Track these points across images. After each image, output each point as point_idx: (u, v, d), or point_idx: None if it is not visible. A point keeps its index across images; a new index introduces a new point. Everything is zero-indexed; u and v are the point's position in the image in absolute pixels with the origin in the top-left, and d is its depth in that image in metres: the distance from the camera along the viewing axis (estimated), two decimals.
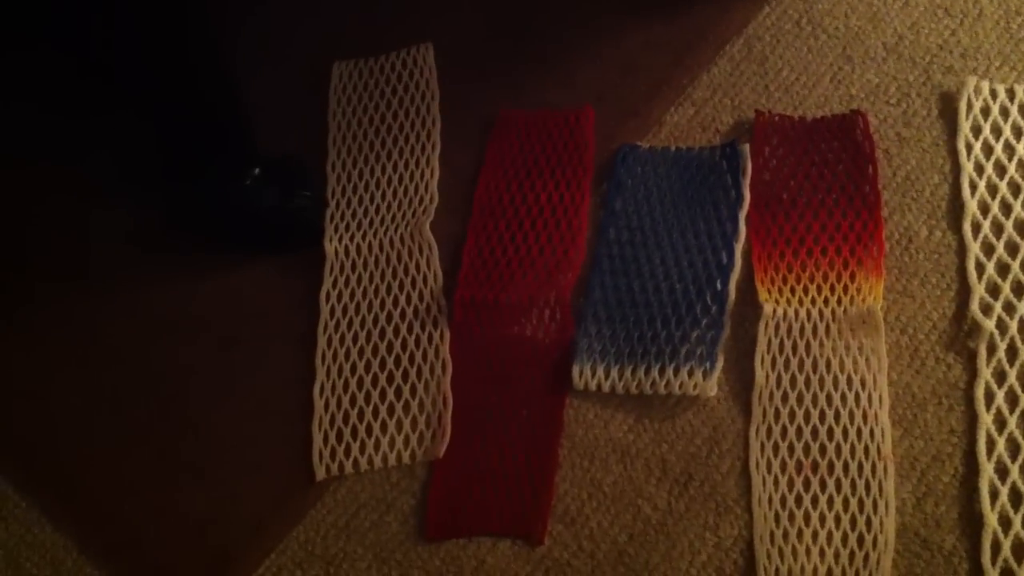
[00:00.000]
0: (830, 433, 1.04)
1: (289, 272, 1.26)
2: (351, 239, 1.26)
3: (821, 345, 1.09)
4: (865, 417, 1.04)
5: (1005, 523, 0.98)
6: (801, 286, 1.13)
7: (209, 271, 1.28)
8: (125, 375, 1.23)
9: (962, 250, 1.12)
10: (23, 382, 1.25)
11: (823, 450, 1.04)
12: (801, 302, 1.11)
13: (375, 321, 1.20)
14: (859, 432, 1.04)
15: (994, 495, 0.99)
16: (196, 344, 1.24)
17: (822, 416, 1.05)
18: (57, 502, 1.16)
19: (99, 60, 1.17)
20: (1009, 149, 1.16)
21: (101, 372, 1.24)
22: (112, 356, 1.24)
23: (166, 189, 1.27)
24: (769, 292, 1.13)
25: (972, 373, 1.05)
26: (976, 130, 1.18)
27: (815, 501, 1.02)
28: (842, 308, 1.10)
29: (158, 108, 1.21)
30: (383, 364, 1.17)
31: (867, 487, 1.01)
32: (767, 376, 1.08)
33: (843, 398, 1.06)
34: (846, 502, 1.01)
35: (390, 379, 1.16)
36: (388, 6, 1.44)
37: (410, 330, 1.19)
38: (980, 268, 1.10)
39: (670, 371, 1.10)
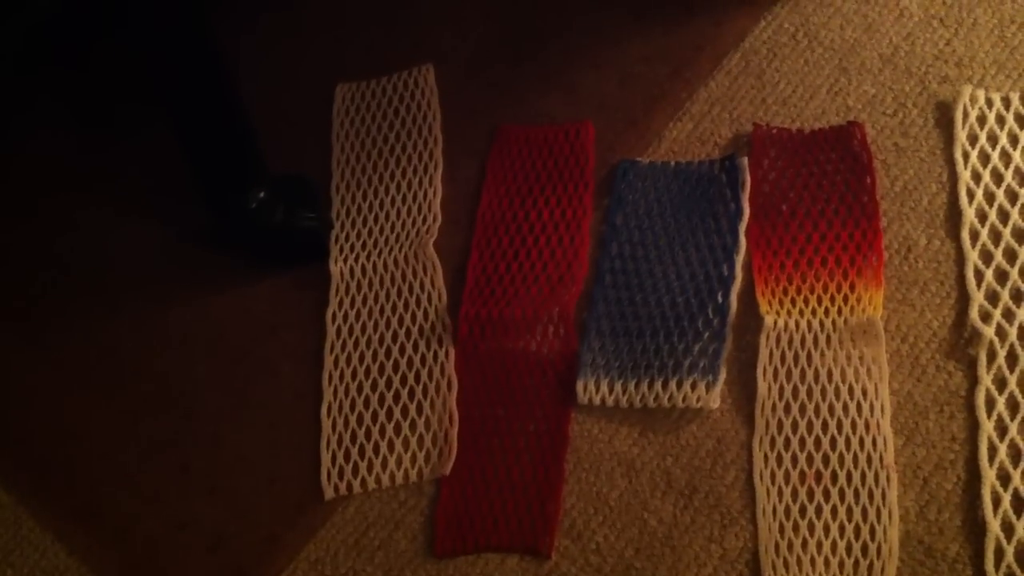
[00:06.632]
0: (833, 443, 1.05)
1: (300, 288, 1.27)
2: (356, 259, 1.27)
3: (822, 355, 1.10)
4: (867, 426, 1.05)
5: (1008, 529, 0.98)
6: (802, 297, 1.13)
7: (219, 287, 1.29)
8: (137, 390, 1.24)
9: (960, 258, 1.13)
10: (35, 397, 1.26)
11: (826, 460, 1.05)
12: (802, 313, 1.12)
13: (381, 340, 1.21)
14: (861, 441, 1.04)
15: (996, 501, 0.99)
16: (208, 359, 1.25)
17: (824, 426, 1.06)
18: (70, 520, 1.17)
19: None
20: (1005, 157, 1.17)
21: (113, 387, 1.25)
22: (124, 371, 1.26)
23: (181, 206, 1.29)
24: (770, 304, 1.13)
25: (973, 380, 1.06)
26: (972, 139, 1.19)
27: (819, 511, 1.02)
28: (843, 318, 1.11)
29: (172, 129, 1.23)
30: (389, 383, 1.18)
31: (870, 496, 1.02)
32: (769, 387, 1.09)
33: (845, 408, 1.06)
34: (850, 511, 1.02)
35: (396, 398, 1.17)
36: (390, 22, 1.45)
37: (416, 348, 1.20)
38: (979, 276, 1.11)
39: (673, 384, 1.11)
